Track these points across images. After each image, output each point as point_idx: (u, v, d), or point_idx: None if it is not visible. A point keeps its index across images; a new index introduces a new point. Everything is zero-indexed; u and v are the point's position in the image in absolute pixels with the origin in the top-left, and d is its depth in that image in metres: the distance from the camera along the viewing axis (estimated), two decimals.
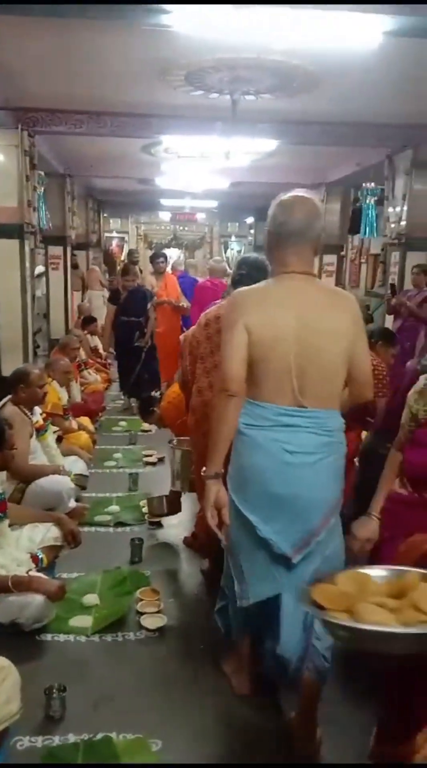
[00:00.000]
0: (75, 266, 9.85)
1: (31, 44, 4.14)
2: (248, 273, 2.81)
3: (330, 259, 9.40)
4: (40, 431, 3.82)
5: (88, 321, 8.28)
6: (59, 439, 4.53)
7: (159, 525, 3.96)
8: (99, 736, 2.19)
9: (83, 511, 3.86)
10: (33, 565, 2.87)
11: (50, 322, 8.83)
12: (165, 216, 15.72)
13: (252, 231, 15.75)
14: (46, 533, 3.08)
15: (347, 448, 2.14)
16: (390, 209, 6.72)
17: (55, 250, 8.77)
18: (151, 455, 5.24)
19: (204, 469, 2.15)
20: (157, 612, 2.97)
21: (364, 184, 7.38)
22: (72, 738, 2.19)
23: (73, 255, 9.60)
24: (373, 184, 7.27)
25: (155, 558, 3.56)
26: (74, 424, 4.99)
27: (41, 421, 3.87)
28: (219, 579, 2.50)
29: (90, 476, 4.57)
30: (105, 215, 15.22)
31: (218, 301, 3.41)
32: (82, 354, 7.01)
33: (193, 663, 2.65)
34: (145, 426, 5.98)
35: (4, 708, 1.87)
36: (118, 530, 3.90)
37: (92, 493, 4.40)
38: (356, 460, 3.39)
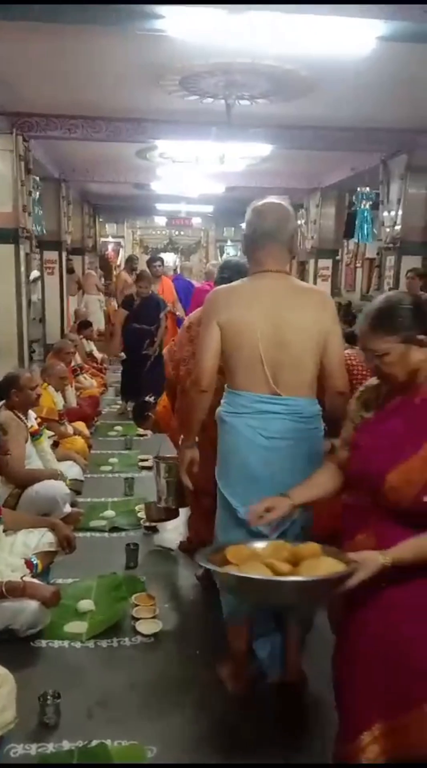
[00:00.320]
0: (71, 271, 9.86)
1: (25, 49, 4.15)
2: (230, 276, 2.88)
3: (325, 263, 9.43)
4: (35, 436, 3.80)
5: (84, 325, 8.28)
6: (55, 444, 4.51)
7: (154, 530, 3.95)
8: (94, 743, 2.18)
9: (78, 516, 3.84)
10: (27, 571, 2.85)
11: (46, 326, 8.83)
12: (161, 221, 15.73)
13: None
14: (41, 539, 3.06)
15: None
16: (385, 213, 6.74)
17: (51, 255, 8.78)
18: (147, 460, 5.22)
19: (181, 437, 2.46)
20: (153, 617, 2.95)
21: (359, 189, 7.40)
22: (66, 745, 2.17)
23: (68, 260, 9.61)
24: (368, 189, 7.30)
25: (151, 563, 3.55)
26: (70, 429, 4.98)
27: (36, 426, 3.86)
28: (215, 584, 2.49)
29: (85, 481, 4.55)
30: (101, 220, 15.24)
31: None
32: (78, 359, 7.01)
33: (189, 668, 2.63)
34: (141, 431, 5.99)
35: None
36: (113, 535, 3.88)
37: (88, 498, 4.38)
38: None
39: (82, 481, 4.44)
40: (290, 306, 2.16)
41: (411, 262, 6.43)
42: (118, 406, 7.10)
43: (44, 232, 7.16)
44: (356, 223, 7.40)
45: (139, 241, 16.61)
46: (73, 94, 5.28)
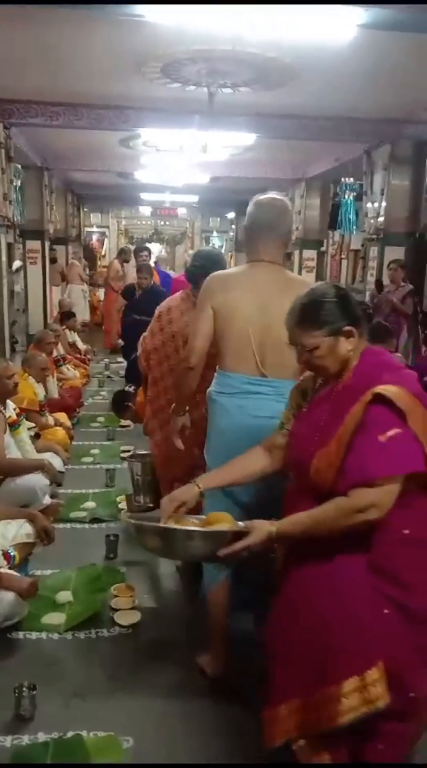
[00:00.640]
0: (54, 260, 9.78)
1: (4, 35, 4.09)
2: (201, 265, 2.96)
3: (310, 254, 9.45)
4: (13, 426, 3.76)
5: (67, 316, 8.21)
6: (36, 436, 4.48)
7: None
8: (69, 734, 2.16)
9: (58, 507, 3.81)
10: (4, 563, 2.81)
11: (28, 316, 8.75)
12: (146, 211, 15.66)
13: (233, 226, 15.75)
14: (19, 530, 3.02)
15: None
16: (368, 205, 6.75)
17: (33, 245, 8.71)
18: (129, 451, 5.19)
19: (173, 405, 2.61)
20: (132, 608, 2.94)
21: (343, 180, 7.39)
22: (42, 737, 2.15)
23: (51, 249, 9.52)
24: (352, 180, 7.29)
25: (131, 554, 3.51)
26: (51, 420, 4.94)
27: (15, 416, 3.82)
28: (194, 575, 2.58)
29: (66, 472, 4.52)
30: (85, 209, 15.13)
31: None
32: (61, 349, 6.96)
33: (167, 659, 2.63)
34: (124, 421, 5.96)
35: None
36: (93, 526, 3.86)
37: (68, 490, 4.35)
38: None
39: (62, 472, 4.41)
40: (280, 294, 2.24)
41: (394, 253, 6.45)
42: (101, 397, 7.06)
43: (24, 220, 7.05)
44: (340, 214, 7.40)
45: (125, 231, 16.53)
46: (54, 80, 5.22)
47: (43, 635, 2.74)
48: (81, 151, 8.43)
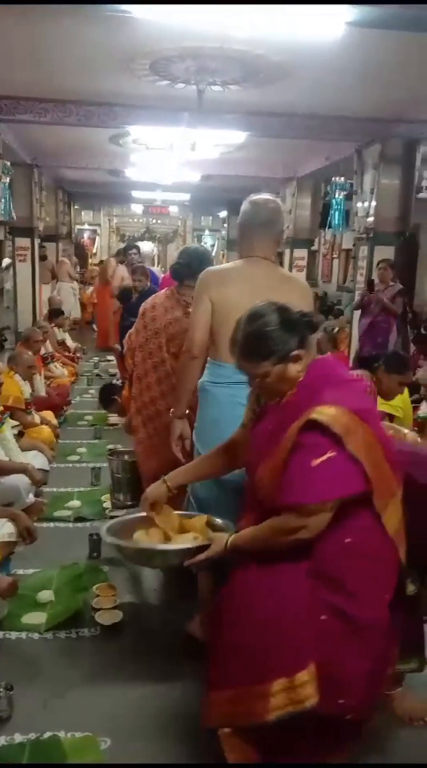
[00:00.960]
0: (43, 258, 9.72)
1: None
2: (187, 263, 3.02)
3: (301, 253, 9.42)
4: None
5: (55, 314, 8.17)
6: (20, 434, 4.44)
7: None
8: (47, 735, 2.15)
9: (42, 506, 3.77)
10: None
11: (18, 314, 8.70)
12: (137, 209, 15.61)
13: (225, 225, 15.73)
14: (1, 529, 3.00)
15: None
16: (358, 204, 6.74)
17: (23, 242, 8.65)
18: (116, 449, 5.17)
19: (172, 410, 2.62)
20: (114, 608, 2.92)
21: (333, 179, 7.39)
22: (18, 738, 2.13)
23: (41, 247, 9.47)
24: (342, 179, 7.29)
25: (114, 553, 3.49)
26: (37, 419, 4.90)
27: None
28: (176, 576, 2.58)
29: (52, 471, 4.49)
30: (76, 207, 15.07)
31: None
32: (49, 346, 6.92)
33: (148, 659, 2.60)
34: (112, 420, 5.94)
35: None
36: (77, 525, 3.84)
37: (53, 488, 4.33)
38: None
39: (47, 470, 4.38)
40: (274, 289, 2.31)
41: (384, 252, 6.45)
42: (89, 395, 7.03)
43: (13, 217, 7.00)
44: (331, 213, 7.40)
45: (116, 229, 16.47)
46: (43, 76, 5.18)
47: (23, 635, 2.72)
48: (71, 148, 8.38)
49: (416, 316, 7.14)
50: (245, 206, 2.50)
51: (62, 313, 8.35)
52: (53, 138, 7.51)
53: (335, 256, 13.24)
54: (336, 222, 7.30)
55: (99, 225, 16.36)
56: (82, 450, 5.19)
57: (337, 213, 7.26)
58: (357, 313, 6.64)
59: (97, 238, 16.37)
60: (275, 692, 1.66)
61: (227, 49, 4.18)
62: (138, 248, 8.06)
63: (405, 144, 6.27)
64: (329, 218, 7.46)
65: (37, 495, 3.89)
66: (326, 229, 7.87)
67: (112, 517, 3.88)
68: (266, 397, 1.96)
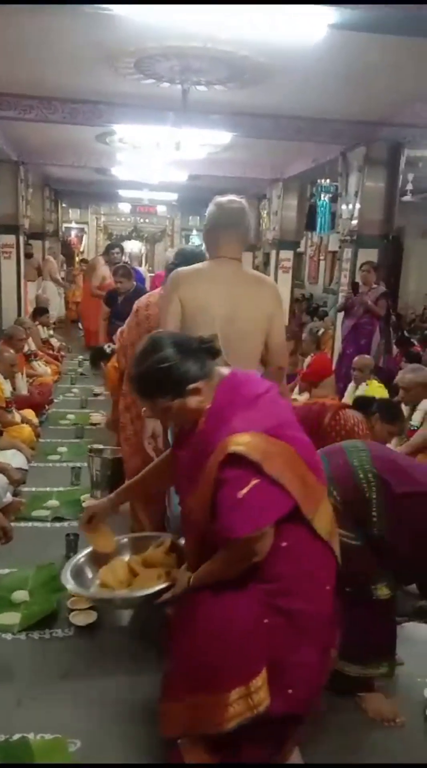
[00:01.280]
0: (29, 255, 9.67)
1: None
2: (181, 263, 2.97)
3: (287, 254, 9.41)
4: None
5: (39, 312, 8.13)
6: (0, 433, 4.42)
7: None
8: (15, 737, 2.13)
9: (19, 506, 3.76)
10: None
11: (2, 311, 8.65)
12: (125, 208, 15.56)
13: None
14: None
15: None
16: (343, 206, 6.77)
17: (8, 239, 8.60)
18: (98, 449, 5.14)
19: (144, 409, 2.52)
20: (89, 608, 2.90)
21: (319, 181, 7.41)
22: None
23: (27, 244, 9.42)
24: (328, 181, 7.33)
25: None
26: (17, 417, 4.88)
27: None
28: None
29: (31, 470, 4.46)
30: (64, 205, 14.99)
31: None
32: (32, 344, 6.88)
33: (121, 660, 2.59)
34: (94, 419, 5.92)
35: None
36: (55, 525, 3.81)
37: (32, 488, 4.29)
38: None
39: (26, 470, 4.35)
40: (243, 289, 2.44)
41: (368, 255, 6.47)
42: (72, 395, 7.00)
43: None
44: (316, 215, 7.43)
45: (104, 228, 16.40)
46: (27, 73, 5.15)
47: None
48: (57, 146, 8.34)
49: (400, 318, 7.18)
50: (210, 208, 2.54)
51: (47, 311, 8.32)
52: (39, 135, 7.47)
53: (321, 258, 13.30)
54: (323, 225, 7.32)
55: (86, 223, 16.29)
56: (63, 449, 5.15)
57: (323, 216, 7.28)
58: (341, 315, 6.66)
59: (85, 237, 16.30)
60: (232, 701, 1.68)
61: (211, 49, 4.18)
62: (121, 248, 8.01)
63: (390, 147, 6.30)
64: (315, 220, 7.48)
65: (15, 494, 3.88)
66: (314, 231, 7.89)
67: None
68: (177, 426, 1.98)
